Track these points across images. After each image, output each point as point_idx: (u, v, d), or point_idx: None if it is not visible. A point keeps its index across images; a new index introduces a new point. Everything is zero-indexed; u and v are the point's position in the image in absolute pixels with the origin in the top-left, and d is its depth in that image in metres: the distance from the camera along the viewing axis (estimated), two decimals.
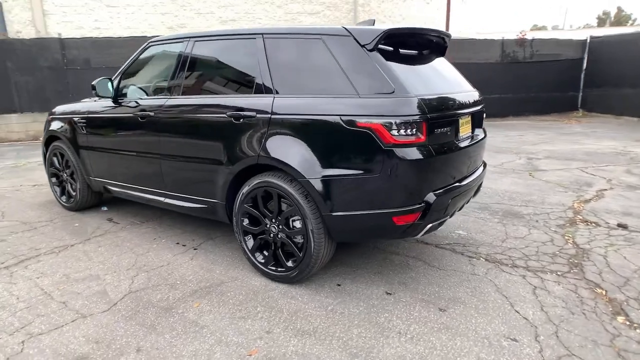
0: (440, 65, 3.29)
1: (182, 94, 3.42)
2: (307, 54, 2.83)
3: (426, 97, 2.58)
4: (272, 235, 2.99)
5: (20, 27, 12.24)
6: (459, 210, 3.25)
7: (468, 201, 3.39)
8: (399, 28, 2.75)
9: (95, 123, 4.12)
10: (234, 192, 3.12)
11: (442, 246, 3.67)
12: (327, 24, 14.16)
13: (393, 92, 2.51)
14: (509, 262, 3.34)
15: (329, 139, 2.65)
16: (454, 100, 2.86)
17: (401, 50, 2.89)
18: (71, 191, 4.63)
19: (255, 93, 3.00)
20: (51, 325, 2.56)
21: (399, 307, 2.72)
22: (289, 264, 2.94)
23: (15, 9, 12.27)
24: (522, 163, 6.98)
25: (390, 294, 2.89)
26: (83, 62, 10.60)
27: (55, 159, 4.72)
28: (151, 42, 3.80)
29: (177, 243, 3.81)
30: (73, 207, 4.65)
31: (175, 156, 3.44)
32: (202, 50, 3.39)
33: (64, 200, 4.75)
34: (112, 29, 12.59)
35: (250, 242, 3.13)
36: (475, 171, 3.24)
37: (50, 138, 4.68)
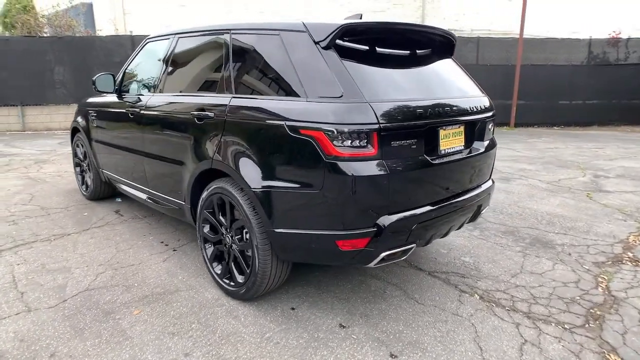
0: (440, 67, 2.83)
1: (162, 92, 3.34)
2: (265, 51, 2.56)
3: (382, 104, 2.17)
4: (226, 246, 2.77)
5: (103, 25, 13.39)
6: (444, 235, 2.76)
7: (461, 226, 2.87)
8: (359, 23, 2.38)
9: (100, 116, 4.23)
10: (198, 196, 2.96)
11: (437, 274, 3.18)
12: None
13: (341, 96, 2.15)
14: (508, 304, 2.77)
15: (275, 146, 2.36)
16: (431, 108, 2.38)
17: (378, 49, 2.49)
18: (88, 181, 4.83)
19: (218, 92, 2.79)
20: None
21: (345, 344, 2.35)
22: (239, 279, 2.70)
23: (100, 9, 13.45)
24: (584, 181, 6.01)
25: (344, 327, 2.52)
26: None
27: (77, 149, 4.96)
28: (148, 38, 3.78)
29: (162, 242, 3.75)
30: (89, 196, 4.85)
31: (154, 155, 3.38)
32: (182, 47, 3.27)
33: (84, 190, 4.97)
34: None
35: (210, 250, 2.94)
36: (468, 191, 2.73)
37: (75, 129, 4.92)
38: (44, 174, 6.37)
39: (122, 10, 13.14)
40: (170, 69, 3.34)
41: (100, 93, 3.99)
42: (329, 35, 2.25)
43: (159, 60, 3.46)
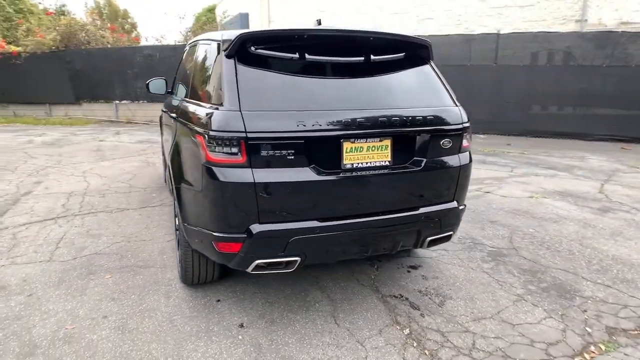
0: (385, 75, 2.61)
1: (189, 96, 3.78)
2: (204, 60, 2.79)
3: (256, 114, 2.18)
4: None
5: None
6: (364, 256, 2.55)
7: (389, 253, 2.60)
8: (259, 31, 2.39)
9: (163, 116, 5.02)
10: None
11: (389, 298, 2.93)
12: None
13: (221, 104, 2.24)
14: (431, 349, 2.42)
15: (185, 147, 2.60)
16: (321, 119, 2.25)
17: (285, 57, 2.41)
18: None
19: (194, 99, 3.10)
20: None
21: (225, 342, 2.44)
22: (178, 267, 3.01)
23: (252, 18, 15.27)
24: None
25: (242, 327, 2.60)
26: None
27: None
28: (191, 42, 4.33)
29: None
30: (163, 180, 5.80)
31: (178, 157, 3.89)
32: (198, 53, 3.67)
33: (163, 175, 5.97)
34: None
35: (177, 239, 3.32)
36: (393, 212, 2.47)
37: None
38: (159, 159, 7.79)
39: (268, 19, 14.74)
40: (192, 74, 3.76)
41: (154, 95, 4.74)
42: (229, 45, 2.35)
43: (191, 64, 3.94)
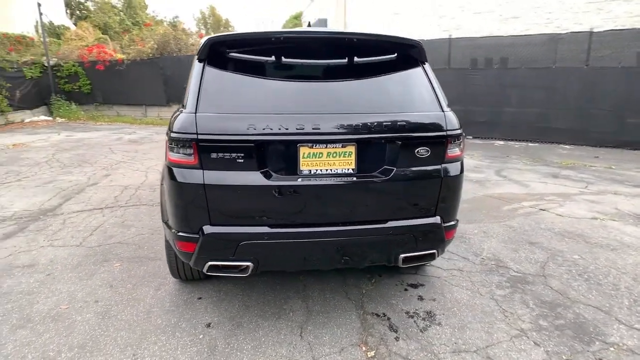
0: (360, 78, 2.46)
1: None
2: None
3: (209, 116, 2.18)
4: None
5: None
6: (328, 267, 2.40)
7: (361, 262, 2.43)
8: (226, 35, 2.38)
9: None
10: None
11: (370, 317, 2.74)
12: None
13: (184, 106, 2.28)
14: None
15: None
16: (275, 122, 2.17)
17: (262, 59, 2.39)
18: None
19: None
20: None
21: (184, 339, 2.48)
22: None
23: (330, 22, 15.46)
24: None
25: (208, 326, 2.63)
26: None
27: None
28: None
29: None
30: None
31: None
32: None
33: None
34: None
35: None
36: (359, 223, 2.31)
37: None
38: None
39: (344, 24, 14.77)
40: None
41: None
42: (200, 50, 2.39)
43: None
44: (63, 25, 24.20)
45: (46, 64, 14.89)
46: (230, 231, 2.24)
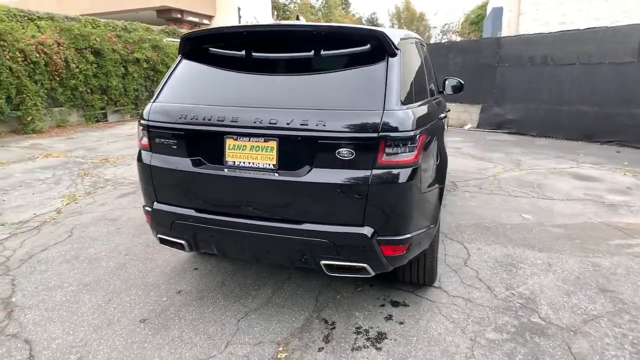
0: (312, 73, 2.40)
1: None
2: None
3: (159, 106, 2.45)
4: None
5: (504, 28, 13.84)
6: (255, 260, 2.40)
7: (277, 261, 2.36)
8: (194, 32, 2.55)
9: None
10: None
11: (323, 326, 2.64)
12: None
13: (156, 97, 2.60)
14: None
15: None
16: (204, 114, 2.29)
17: (216, 54, 2.57)
18: None
19: None
20: None
21: (122, 296, 2.86)
22: None
23: (504, 12, 13.94)
24: None
25: (179, 292, 2.95)
26: (512, 59, 10.91)
27: None
28: None
29: None
30: None
31: None
32: None
33: None
34: (577, 22, 11.62)
35: None
36: (276, 220, 2.26)
37: None
38: None
39: (517, 12, 12.99)
40: None
41: None
42: (180, 45, 2.67)
43: None
44: None
45: None
46: (167, 209, 2.48)
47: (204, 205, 2.42)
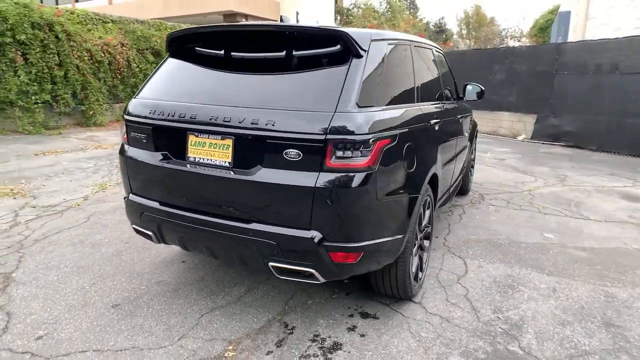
0: (277, 73, 2.39)
1: None
2: None
3: (137, 101, 2.56)
4: None
5: (571, 33, 12.87)
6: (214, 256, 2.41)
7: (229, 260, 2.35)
8: (176, 31, 2.61)
9: None
10: None
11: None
12: None
13: (138, 93, 2.72)
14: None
15: None
16: (168, 111, 2.36)
17: (195, 53, 2.64)
18: None
19: None
20: None
21: (115, 279, 2.98)
22: None
23: (572, 16, 12.98)
24: None
25: (158, 283, 3.04)
26: (573, 67, 10.11)
27: None
28: None
29: None
30: None
31: None
32: None
33: None
34: None
35: None
36: (228, 218, 2.26)
37: None
38: None
39: (585, 15, 11.95)
40: None
41: None
42: (165, 44, 2.76)
43: None
44: None
45: None
46: (137, 201, 2.57)
47: (167, 198, 2.48)
